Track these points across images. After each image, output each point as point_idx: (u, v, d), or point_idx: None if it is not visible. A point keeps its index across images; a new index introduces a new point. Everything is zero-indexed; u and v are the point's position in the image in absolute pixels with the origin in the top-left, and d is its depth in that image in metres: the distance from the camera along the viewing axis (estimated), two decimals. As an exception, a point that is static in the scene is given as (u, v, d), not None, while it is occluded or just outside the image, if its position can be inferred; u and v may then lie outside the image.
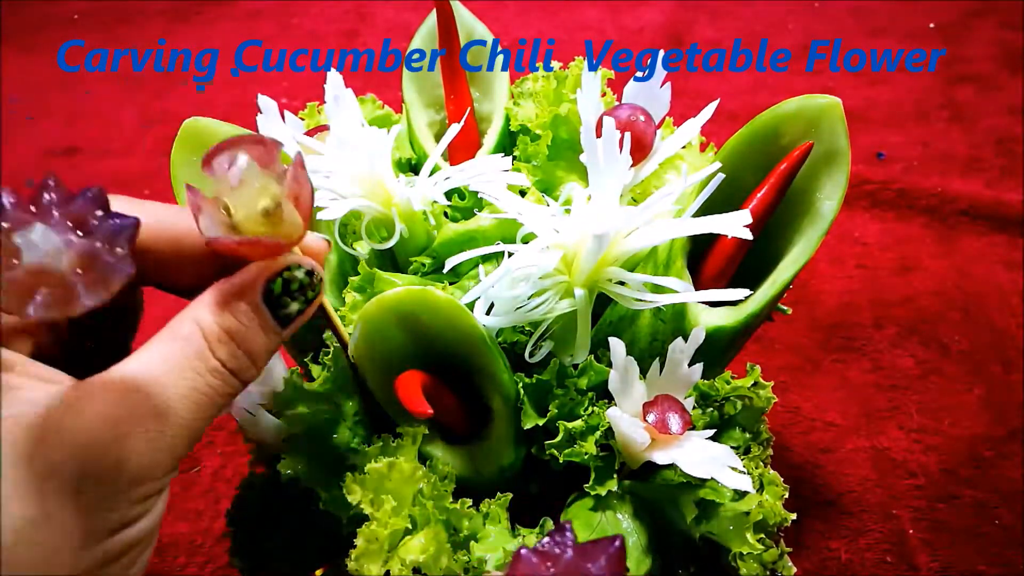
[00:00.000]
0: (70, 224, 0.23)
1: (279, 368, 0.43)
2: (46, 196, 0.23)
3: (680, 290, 0.35)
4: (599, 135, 0.45)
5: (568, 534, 0.26)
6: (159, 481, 0.28)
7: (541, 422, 0.39)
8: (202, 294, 0.31)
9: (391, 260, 0.47)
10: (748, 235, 0.35)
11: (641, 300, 0.36)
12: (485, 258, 0.41)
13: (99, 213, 0.24)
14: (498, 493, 0.39)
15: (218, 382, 0.30)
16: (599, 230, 0.34)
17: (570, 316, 0.38)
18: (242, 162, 0.28)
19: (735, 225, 0.34)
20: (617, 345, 0.36)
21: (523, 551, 0.25)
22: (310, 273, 0.32)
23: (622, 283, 0.37)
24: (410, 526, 0.36)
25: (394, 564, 0.34)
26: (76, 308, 0.23)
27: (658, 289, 0.36)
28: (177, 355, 0.29)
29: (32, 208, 0.23)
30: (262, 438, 0.41)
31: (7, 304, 0.22)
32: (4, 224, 0.23)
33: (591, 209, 0.36)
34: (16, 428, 0.26)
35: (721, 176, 0.37)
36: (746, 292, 0.36)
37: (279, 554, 0.41)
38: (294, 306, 0.31)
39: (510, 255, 0.37)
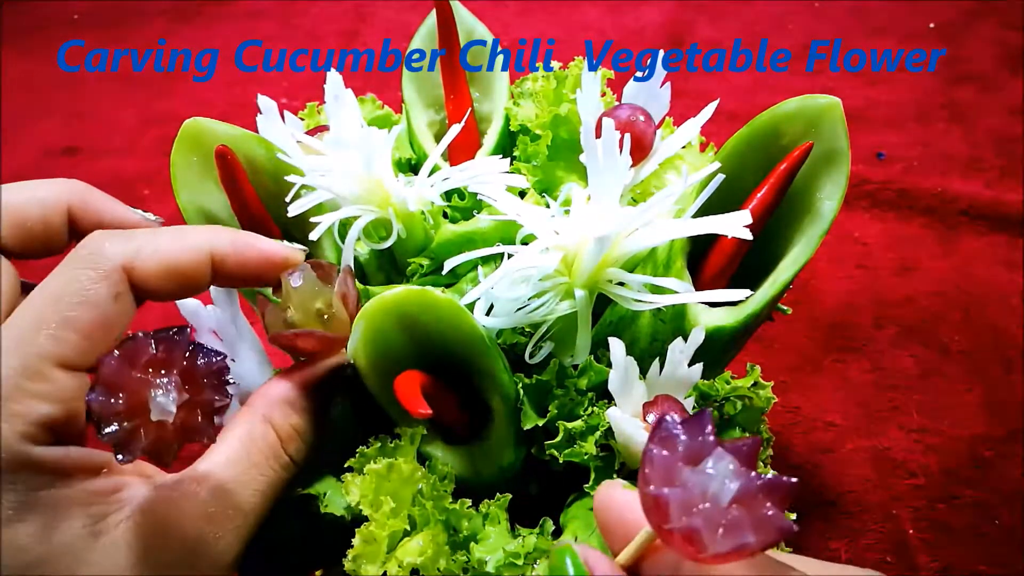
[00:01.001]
0: (183, 382, 0.27)
1: (266, 371, 0.43)
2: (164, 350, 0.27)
3: (680, 290, 0.35)
4: (599, 135, 0.45)
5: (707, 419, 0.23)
6: (237, 561, 0.32)
7: (541, 422, 0.39)
8: (267, 389, 0.35)
9: (390, 260, 0.47)
10: (748, 235, 0.35)
11: (641, 301, 0.36)
12: (484, 260, 0.41)
13: (200, 363, 0.27)
14: (497, 494, 0.39)
15: (286, 473, 0.34)
16: (600, 232, 0.34)
17: (570, 317, 0.38)
18: (302, 271, 0.35)
19: (735, 225, 0.34)
20: (617, 345, 0.36)
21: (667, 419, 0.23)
22: (354, 369, 0.36)
23: (622, 284, 0.37)
24: (408, 527, 0.36)
25: (391, 566, 0.34)
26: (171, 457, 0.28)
27: (658, 290, 0.36)
28: (255, 455, 0.33)
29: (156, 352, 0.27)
30: None
31: (125, 447, 0.26)
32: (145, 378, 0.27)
33: (591, 210, 0.36)
34: (129, 532, 0.30)
35: (721, 176, 0.37)
36: (747, 292, 0.36)
37: (279, 557, 0.41)
38: (337, 399, 0.36)
39: (510, 256, 0.37)
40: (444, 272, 0.40)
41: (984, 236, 0.79)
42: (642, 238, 0.36)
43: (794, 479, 0.22)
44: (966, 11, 1.07)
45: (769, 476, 0.22)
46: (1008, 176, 0.85)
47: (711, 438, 0.23)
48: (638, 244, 0.36)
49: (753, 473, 0.22)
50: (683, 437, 0.23)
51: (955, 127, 0.91)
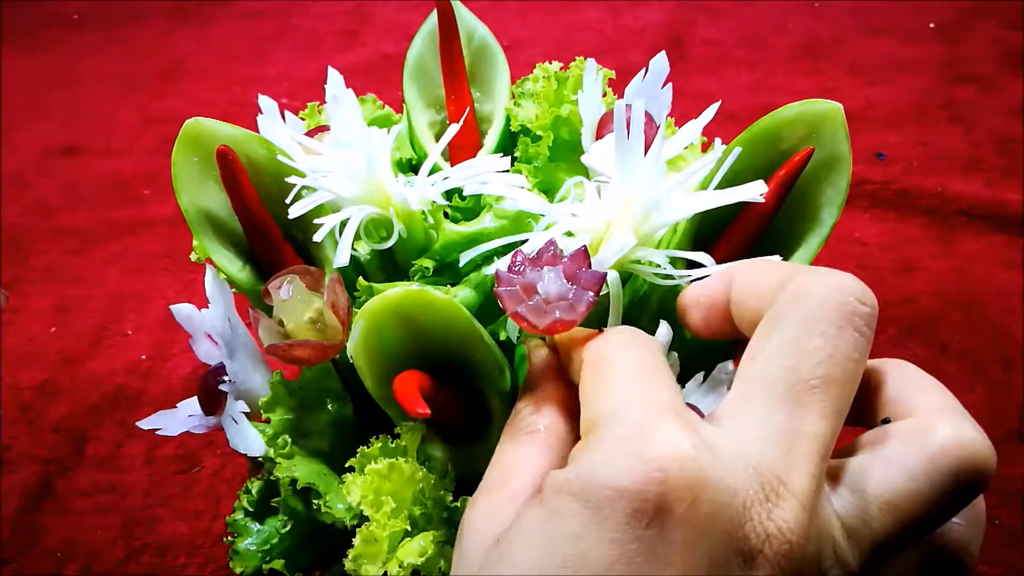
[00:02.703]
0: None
1: (262, 368, 0.43)
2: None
3: (706, 263, 0.35)
4: (599, 136, 0.45)
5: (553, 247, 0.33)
6: None
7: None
8: None
9: (391, 260, 0.47)
10: (763, 200, 0.36)
11: (670, 277, 0.36)
12: (486, 258, 0.41)
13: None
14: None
15: None
16: (652, 193, 0.35)
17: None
18: (291, 283, 0.36)
19: (752, 193, 0.36)
20: (664, 328, 0.36)
21: (499, 271, 0.33)
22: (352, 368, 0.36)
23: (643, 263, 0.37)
24: (409, 527, 0.36)
25: (392, 566, 0.34)
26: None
27: (676, 265, 0.37)
28: None
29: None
30: (245, 448, 0.41)
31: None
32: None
33: (626, 184, 0.36)
34: None
35: (739, 149, 0.37)
36: (777, 258, 0.36)
37: (280, 557, 0.41)
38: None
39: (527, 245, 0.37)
40: (461, 264, 0.40)
41: (984, 236, 0.79)
42: (669, 213, 0.36)
43: (600, 272, 0.32)
44: (966, 11, 1.07)
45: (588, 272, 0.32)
46: (1008, 176, 0.85)
47: (530, 268, 0.33)
48: (666, 219, 0.36)
49: (571, 280, 0.32)
50: (512, 275, 0.33)
51: (955, 127, 0.91)
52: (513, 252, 0.33)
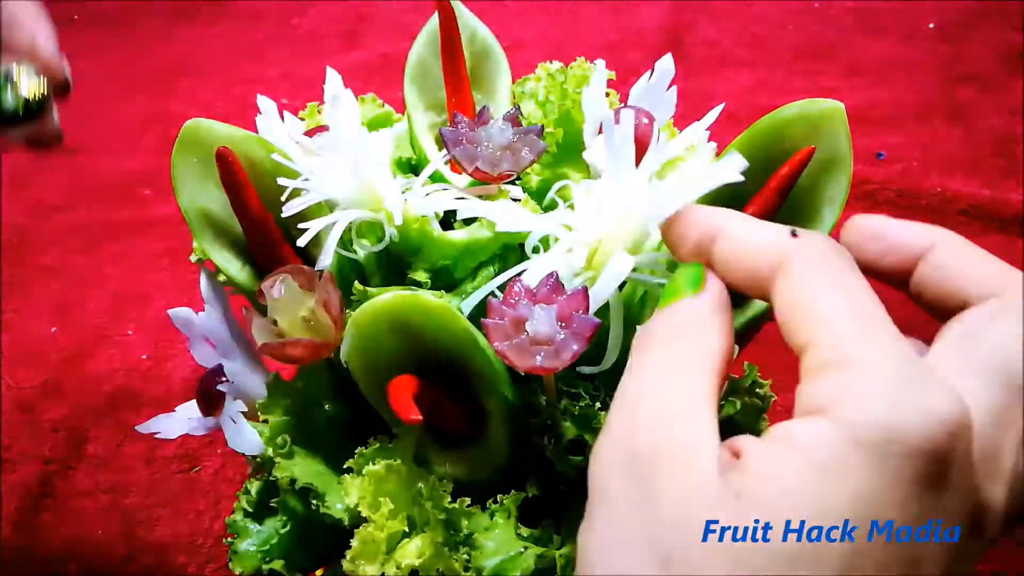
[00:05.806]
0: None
1: (261, 375, 0.43)
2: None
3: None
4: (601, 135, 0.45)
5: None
6: None
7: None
8: None
9: (388, 261, 0.47)
10: (741, 178, 0.35)
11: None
12: (482, 263, 0.41)
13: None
14: (499, 495, 0.39)
15: None
16: (650, 209, 0.34)
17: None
18: (284, 282, 0.36)
19: (732, 171, 0.35)
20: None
21: (491, 300, 0.33)
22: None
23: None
24: (407, 528, 0.36)
25: (390, 567, 0.34)
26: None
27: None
28: None
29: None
30: (244, 448, 0.41)
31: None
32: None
33: (619, 194, 0.36)
34: None
35: (735, 152, 0.37)
36: None
37: (280, 558, 0.41)
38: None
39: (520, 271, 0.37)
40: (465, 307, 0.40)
41: (984, 236, 0.79)
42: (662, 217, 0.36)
43: (595, 320, 0.32)
44: (966, 11, 1.07)
45: (579, 318, 0.32)
46: (1008, 176, 0.85)
47: (525, 301, 0.33)
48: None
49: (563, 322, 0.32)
50: (504, 307, 0.33)
51: (955, 127, 0.91)
52: (511, 280, 0.33)
